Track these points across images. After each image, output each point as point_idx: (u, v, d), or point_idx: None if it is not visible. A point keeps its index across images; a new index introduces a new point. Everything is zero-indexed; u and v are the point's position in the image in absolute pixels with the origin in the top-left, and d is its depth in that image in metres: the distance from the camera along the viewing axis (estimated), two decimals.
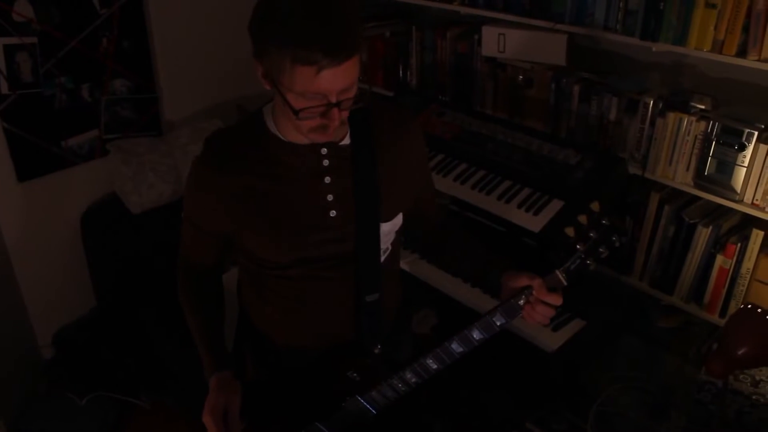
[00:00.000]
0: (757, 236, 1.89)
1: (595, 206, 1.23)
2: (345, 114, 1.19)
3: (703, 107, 1.96)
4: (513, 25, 2.31)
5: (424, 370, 1.33)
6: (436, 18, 2.71)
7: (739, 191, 1.87)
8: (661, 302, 2.16)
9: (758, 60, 1.76)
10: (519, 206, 2.10)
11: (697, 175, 1.95)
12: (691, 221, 2.00)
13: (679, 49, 1.90)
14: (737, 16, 1.76)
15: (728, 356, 1.49)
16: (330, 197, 1.30)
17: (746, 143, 1.82)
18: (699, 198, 2.01)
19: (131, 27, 2.67)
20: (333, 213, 1.30)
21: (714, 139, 1.88)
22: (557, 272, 1.24)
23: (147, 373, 2.68)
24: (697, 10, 1.81)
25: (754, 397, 1.68)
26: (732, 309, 1.98)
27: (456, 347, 1.29)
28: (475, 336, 1.28)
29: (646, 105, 2.03)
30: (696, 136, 1.93)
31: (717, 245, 1.98)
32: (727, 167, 1.87)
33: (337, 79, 1.11)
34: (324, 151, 1.28)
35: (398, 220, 1.39)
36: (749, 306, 1.53)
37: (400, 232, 1.44)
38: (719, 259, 1.97)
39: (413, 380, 1.35)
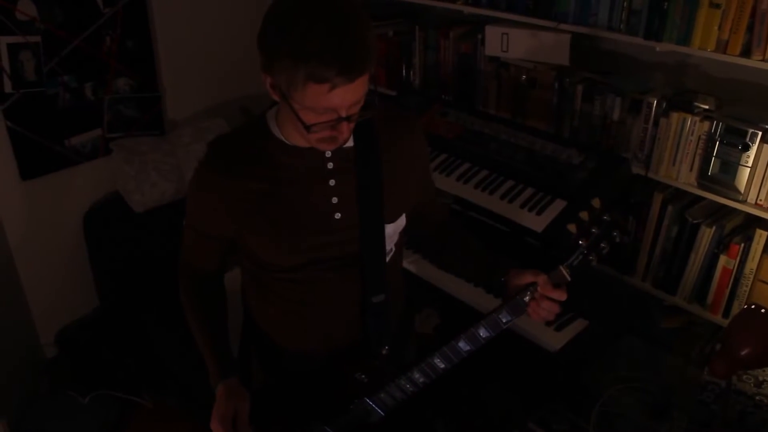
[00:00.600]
0: (760, 236, 1.89)
1: (596, 203, 1.25)
2: (353, 125, 1.19)
3: (706, 107, 1.96)
4: (516, 25, 2.31)
5: (432, 370, 1.33)
6: (440, 18, 2.71)
7: (742, 191, 1.87)
8: (664, 302, 2.16)
9: (762, 60, 1.76)
10: (522, 206, 2.10)
11: (701, 175, 1.95)
12: (695, 221, 2.00)
13: (682, 48, 1.90)
14: (741, 16, 1.75)
15: (731, 357, 1.49)
16: (335, 200, 1.29)
17: (750, 143, 1.82)
18: (702, 198, 2.01)
19: (134, 26, 2.67)
20: (338, 215, 1.30)
21: (717, 139, 1.87)
22: (561, 268, 1.25)
23: (148, 372, 2.68)
24: (701, 10, 1.81)
25: (757, 397, 1.67)
26: (735, 309, 1.98)
27: (463, 345, 1.30)
28: (481, 334, 1.29)
29: (650, 105, 2.02)
30: (699, 136, 1.93)
31: (720, 245, 1.97)
32: (730, 167, 1.87)
33: (348, 95, 1.10)
34: (328, 153, 1.28)
35: (402, 221, 1.39)
36: (752, 306, 1.53)
37: (403, 233, 1.44)
38: (722, 259, 1.97)
39: (421, 380, 1.35)
